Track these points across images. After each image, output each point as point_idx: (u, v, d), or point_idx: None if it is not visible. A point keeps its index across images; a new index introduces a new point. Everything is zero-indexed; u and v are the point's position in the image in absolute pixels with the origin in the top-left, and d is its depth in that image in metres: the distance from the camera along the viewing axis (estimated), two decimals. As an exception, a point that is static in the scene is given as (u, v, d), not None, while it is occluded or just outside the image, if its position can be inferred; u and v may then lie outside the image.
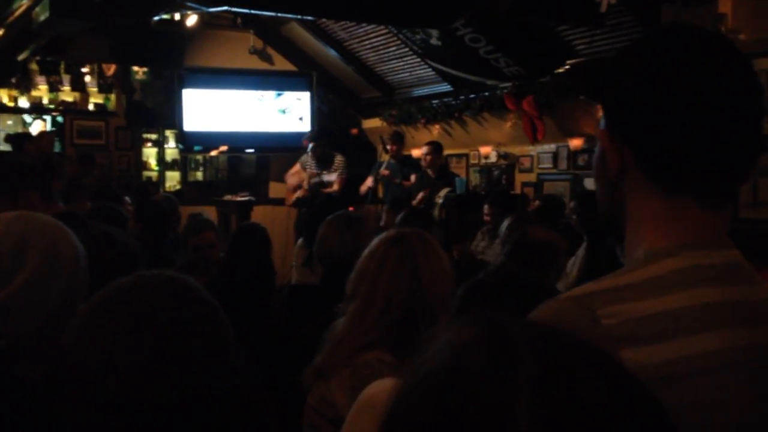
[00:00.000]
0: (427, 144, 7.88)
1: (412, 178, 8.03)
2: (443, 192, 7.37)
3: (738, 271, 0.98)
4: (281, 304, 3.47)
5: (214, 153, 10.05)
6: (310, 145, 8.38)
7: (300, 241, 4.93)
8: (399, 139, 8.36)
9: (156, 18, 7.53)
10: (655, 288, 0.94)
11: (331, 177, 8.33)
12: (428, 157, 7.71)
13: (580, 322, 0.91)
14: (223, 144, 9.67)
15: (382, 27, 8.51)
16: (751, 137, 0.98)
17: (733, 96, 0.96)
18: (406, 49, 8.80)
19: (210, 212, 8.44)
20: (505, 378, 0.57)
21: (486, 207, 6.18)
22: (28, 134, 8.85)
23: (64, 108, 10.46)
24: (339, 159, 8.47)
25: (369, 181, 8.38)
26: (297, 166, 8.76)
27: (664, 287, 0.94)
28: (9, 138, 8.61)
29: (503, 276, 1.76)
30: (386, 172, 8.24)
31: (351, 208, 8.14)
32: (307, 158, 8.59)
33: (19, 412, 1.26)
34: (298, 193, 8.53)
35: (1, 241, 1.31)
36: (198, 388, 1.08)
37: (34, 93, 10.27)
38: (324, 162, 8.41)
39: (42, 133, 9.18)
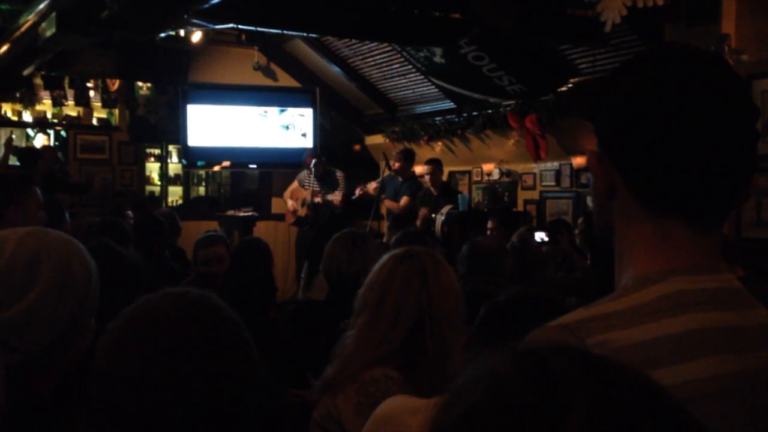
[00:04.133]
0: (429, 162, 7.85)
1: (402, 200, 7.96)
2: (445, 209, 7.37)
3: (730, 296, 0.96)
4: (287, 320, 3.47)
5: (217, 168, 10.07)
6: (313, 161, 8.39)
7: (307, 264, 4.91)
8: (406, 157, 8.22)
9: (161, 34, 7.56)
10: (643, 315, 0.92)
11: (336, 197, 8.33)
12: (429, 176, 7.71)
13: None
14: (227, 159, 9.69)
15: (386, 45, 8.55)
16: (743, 160, 0.96)
17: (725, 118, 0.94)
18: (410, 67, 8.84)
19: (212, 228, 8.45)
20: (554, 425, 0.52)
21: (489, 222, 6.21)
22: (39, 150, 8.83)
23: (67, 122, 10.49)
24: (339, 175, 8.47)
25: (358, 190, 8.36)
26: (294, 184, 8.78)
27: (651, 314, 0.92)
28: (18, 152, 8.59)
29: (525, 298, 1.76)
30: (373, 185, 8.19)
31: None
32: (305, 175, 8.60)
33: (31, 428, 1.27)
34: (300, 212, 8.54)
35: (15, 256, 1.31)
36: (226, 406, 1.09)
37: (38, 107, 10.30)
38: (325, 179, 8.41)
39: (45, 148, 9.20)
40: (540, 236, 5.39)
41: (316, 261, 4.68)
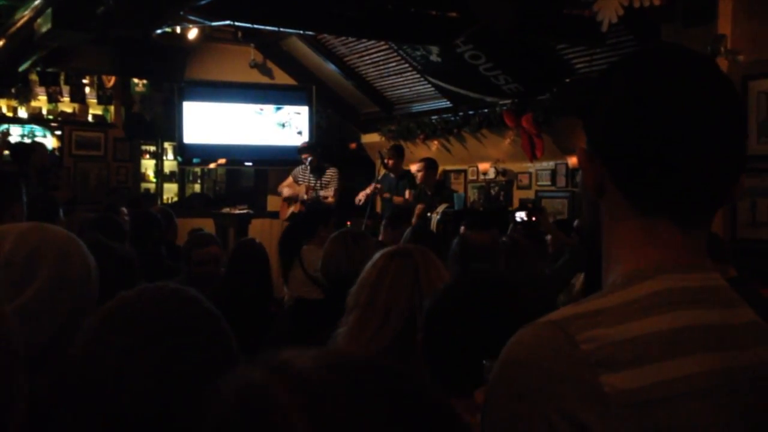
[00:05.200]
0: (420, 161, 7.88)
1: (407, 193, 8.00)
2: (441, 208, 7.39)
3: (717, 294, 0.98)
4: (285, 318, 3.47)
5: (212, 166, 10.06)
6: (309, 159, 8.39)
7: (280, 259, 4.89)
8: (397, 153, 8.31)
9: (158, 31, 7.55)
10: (633, 312, 0.93)
11: (328, 192, 8.34)
12: (420, 174, 7.71)
13: (560, 347, 0.91)
14: (222, 157, 9.68)
15: (383, 43, 8.55)
16: (731, 159, 0.98)
17: (714, 118, 0.95)
18: (406, 65, 8.84)
19: (207, 225, 8.45)
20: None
21: (462, 228, 6.18)
22: (32, 146, 8.81)
23: (63, 119, 10.47)
24: (332, 171, 8.46)
25: (361, 195, 8.40)
26: (289, 179, 8.78)
27: (641, 311, 0.93)
28: (11, 148, 8.58)
29: (472, 280, 1.78)
30: (379, 186, 8.24)
31: (348, 223, 8.18)
32: (299, 171, 8.60)
33: (28, 424, 1.26)
34: (293, 208, 8.52)
35: (15, 251, 1.31)
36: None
37: (34, 103, 10.28)
38: (318, 172, 8.39)
39: (38, 143, 9.19)
40: (520, 216, 5.52)
41: (290, 255, 4.68)
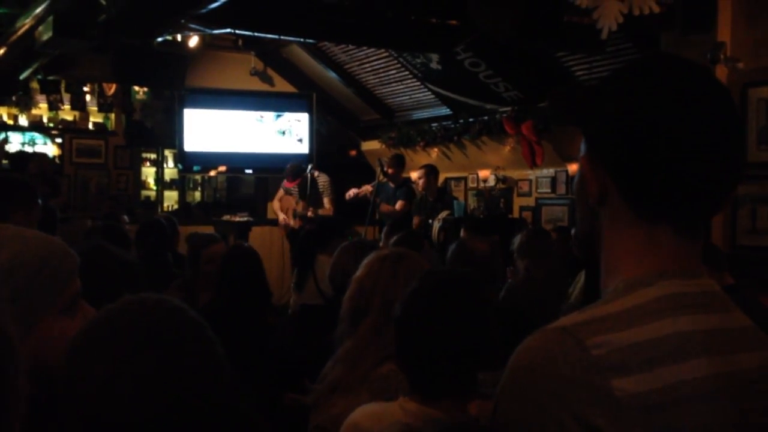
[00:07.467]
0: (421, 167, 7.91)
1: (398, 204, 7.97)
2: (442, 215, 7.39)
3: (714, 299, 1.00)
4: (288, 324, 3.46)
5: (213, 173, 10.08)
6: (309, 169, 8.38)
7: (297, 269, 4.89)
8: (398, 162, 8.30)
9: (158, 39, 7.57)
10: (638, 317, 0.95)
11: (326, 207, 8.32)
12: (421, 181, 7.73)
13: (571, 352, 0.92)
14: (223, 164, 9.69)
15: (383, 50, 8.57)
16: (731, 168, 0.99)
17: (713, 127, 0.97)
18: (406, 73, 8.87)
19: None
20: None
21: (462, 231, 6.19)
22: (29, 154, 8.85)
23: (63, 127, 10.49)
24: (323, 181, 8.44)
25: (352, 192, 8.41)
26: (280, 192, 8.80)
27: (645, 316, 0.95)
28: (9, 156, 8.60)
29: (436, 283, 1.80)
30: (369, 188, 8.23)
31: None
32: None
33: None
34: (293, 225, 8.52)
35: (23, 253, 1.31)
36: (195, 404, 1.10)
37: (35, 111, 10.29)
38: (312, 189, 8.36)
39: (40, 154, 9.22)
40: None
41: (307, 265, 4.69)
